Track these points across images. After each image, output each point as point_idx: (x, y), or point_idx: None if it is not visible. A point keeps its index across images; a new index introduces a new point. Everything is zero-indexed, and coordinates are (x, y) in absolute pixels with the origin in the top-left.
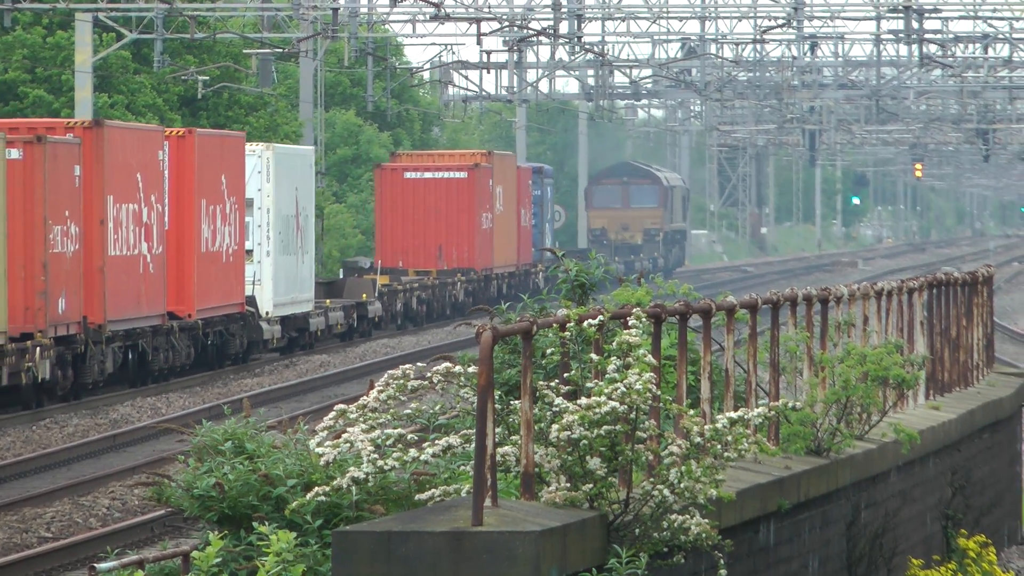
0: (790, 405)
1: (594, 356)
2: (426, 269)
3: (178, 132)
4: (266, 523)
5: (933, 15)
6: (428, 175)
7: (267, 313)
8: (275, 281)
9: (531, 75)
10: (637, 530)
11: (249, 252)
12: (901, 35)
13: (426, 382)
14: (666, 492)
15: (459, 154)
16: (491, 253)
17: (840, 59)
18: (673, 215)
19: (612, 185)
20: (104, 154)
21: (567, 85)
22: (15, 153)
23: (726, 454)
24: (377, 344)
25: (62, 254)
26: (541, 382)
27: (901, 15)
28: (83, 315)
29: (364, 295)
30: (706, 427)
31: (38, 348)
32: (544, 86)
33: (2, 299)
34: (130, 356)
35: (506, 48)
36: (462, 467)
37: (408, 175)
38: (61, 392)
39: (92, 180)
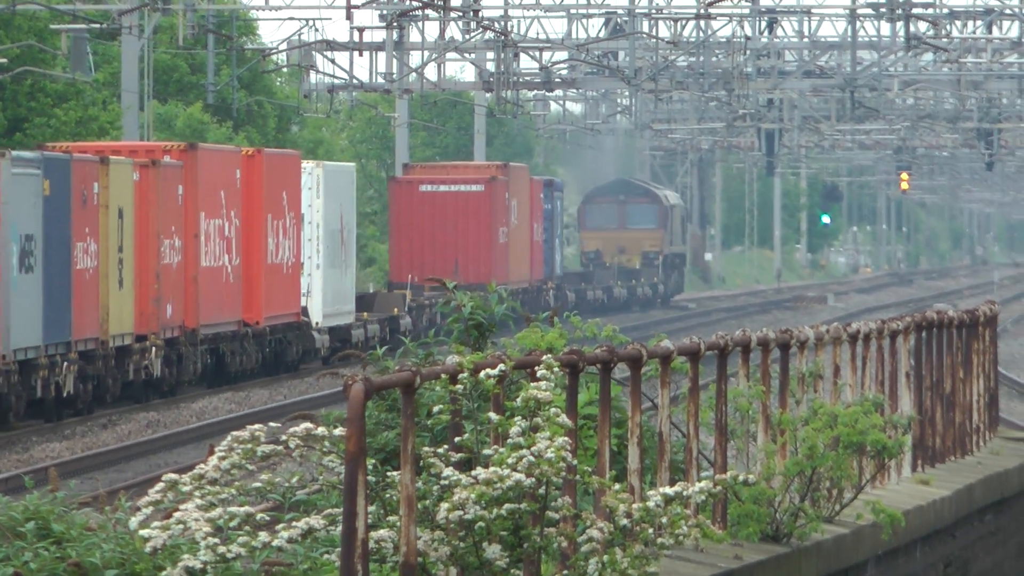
0: (741, 479)
1: (493, 416)
2: None
3: (248, 152)
4: None
5: None
6: (444, 188)
7: (317, 323)
8: (324, 293)
9: (415, 59)
10: None
11: (300, 265)
12: (882, 10)
13: (280, 447)
14: None
15: (474, 166)
16: (507, 268)
17: (806, 40)
18: (673, 237)
19: (607, 204)
20: (197, 174)
21: (461, 72)
22: (135, 175)
23: (660, 540)
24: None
25: (169, 265)
26: (426, 448)
27: None
28: (182, 320)
29: (395, 309)
30: (635, 506)
31: (154, 348)
32: (431, 72)
33: (129, 303)
34: (208, 360)
35: (383, 24)
36: (326, 555)
37: (423, 188)
38: (166, 388)
39: (188, 198)
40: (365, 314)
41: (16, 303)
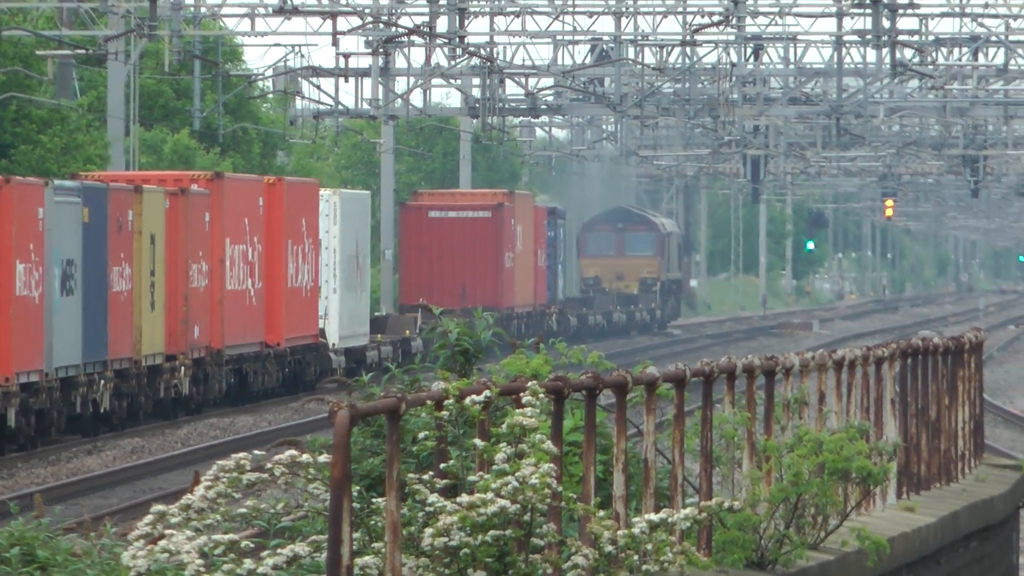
0: (726, 505)
1: (478, 442)
2: (450, 307)
3: (269, 180)
4: None
5: (908, 11)
6: (453, 214)
7: (334, 345)
8: (340, 316)
9: (400, 84)
10: None
11: (318, 288)
12: (868, 36)
13: (266, 475)
14: None
15: (481, 193)
16: (512, 292)
17: (791, 66)
18: (670, 264)
19: (606, 231)
20: (223, 202)
21: (447, 97)
22: (166, 203)
23: (645, 567)
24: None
25: (197, 288)
26: (411, 474)
27: (868, 11)
28: (209, 341)
29: (407, 331)
30: (620, 532)
31: (183, 368)
32: (417, 98)
33: (160, 324)
34: (232, 379)
35: (369, 50)
36: None
37: (432, 214)
38: (194, 406)
39: (215, 224)
40: (379, 336)
41: (58, 324)
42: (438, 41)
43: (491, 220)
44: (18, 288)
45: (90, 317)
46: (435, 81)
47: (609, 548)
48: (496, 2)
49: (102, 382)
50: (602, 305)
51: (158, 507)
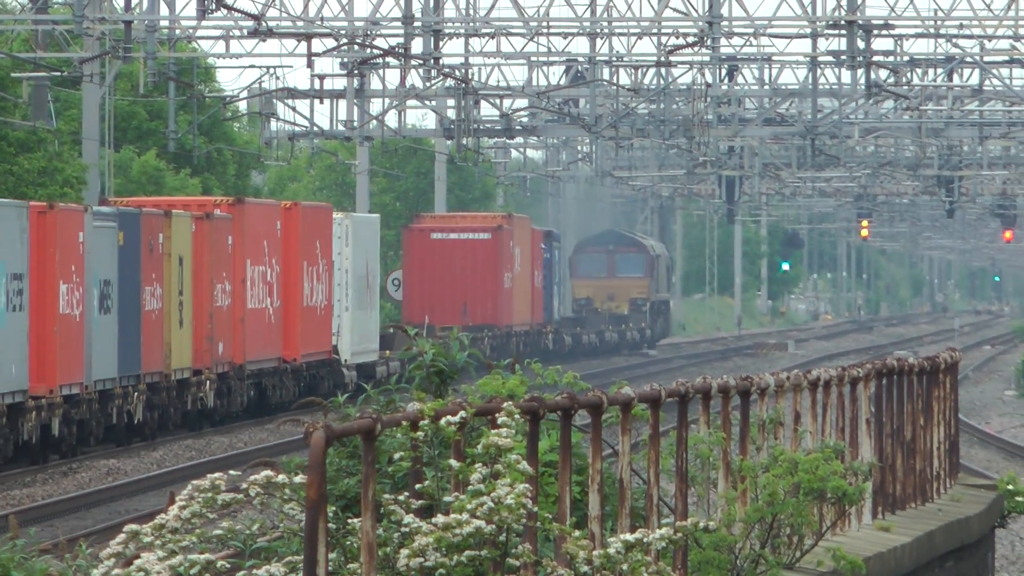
0: (701, 525)
1: (454, 463)
2: (451, 325)
3: (286, 205)
4: None
5: (883, 32)
6: (454, 236)
7: (346, 360)
8: (352, 333)
9: (375, 106)
10: None
11: (331, 307)
12: (843, 57)
13: (241, 495)
14: None
15: (482, 216)
16: (511, 311)
17: (766, 87)
18: (658, 285)
19: (597, 253)
20: (244, 225)
21: (423, 119)
22: (192, 227)
23: None
24: None
25: (221, 307)
26: (387, 495)
27: (843, 32)
28: (231, 356)
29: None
30: (595, 552)
31: (208, 381)
32: (392, 120)
33: (188, 341)
34: (251, 393)
35: (344, 72)
36: None
37: (435, 236)
38: (218, 418)
39: (237, 247)
40: (387, 352)
41: (96, 340)
42: (413, 62)
43: (491, 242)
44: (61, 307)
45: (125, 334)
46: (410, 102)
47: (585, 568)
48: (471, 23)
49: (136, 394)
50: (594, 324)
51: (131, 526)
